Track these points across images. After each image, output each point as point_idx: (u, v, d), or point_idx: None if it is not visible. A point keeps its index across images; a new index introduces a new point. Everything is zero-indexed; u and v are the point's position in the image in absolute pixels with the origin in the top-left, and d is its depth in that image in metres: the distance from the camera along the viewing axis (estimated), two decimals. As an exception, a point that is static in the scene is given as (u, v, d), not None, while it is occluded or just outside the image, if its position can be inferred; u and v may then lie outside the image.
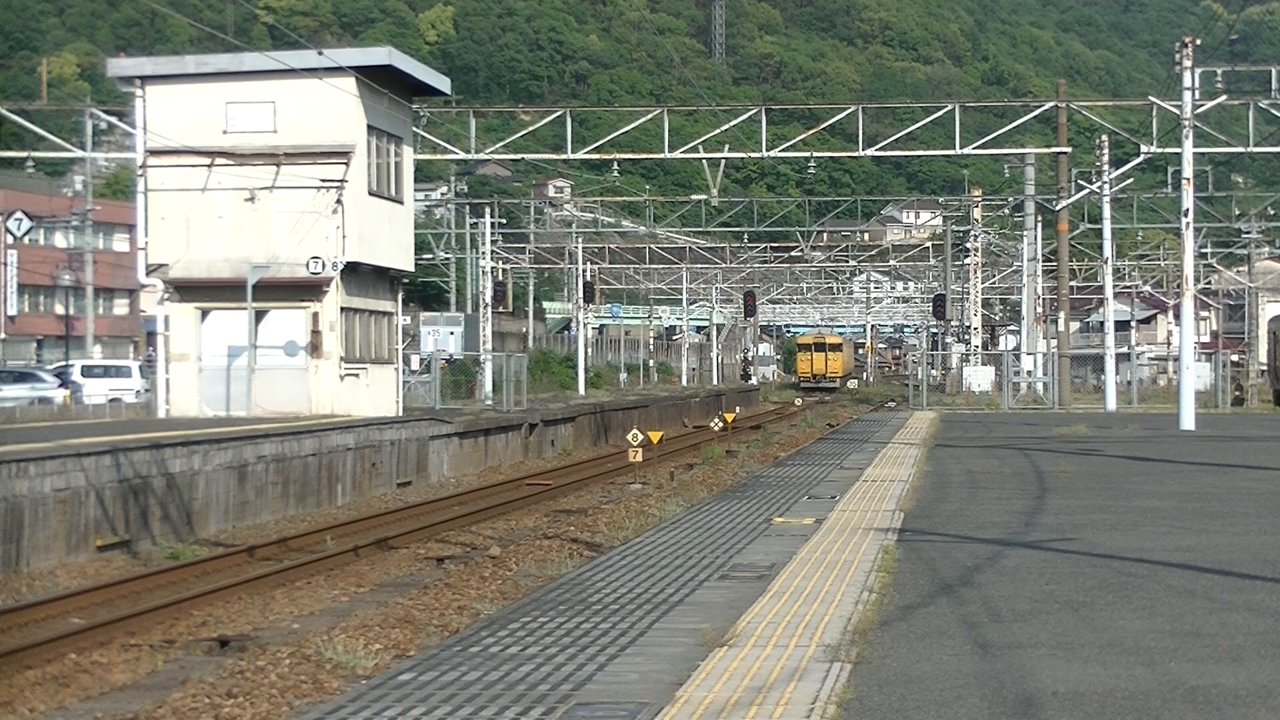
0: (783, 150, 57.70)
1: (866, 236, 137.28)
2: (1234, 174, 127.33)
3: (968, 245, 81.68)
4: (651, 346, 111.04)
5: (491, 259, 72.38)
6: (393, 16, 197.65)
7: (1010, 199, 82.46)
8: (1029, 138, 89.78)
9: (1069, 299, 60.58)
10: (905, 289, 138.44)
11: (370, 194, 37.41)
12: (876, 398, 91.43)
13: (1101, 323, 67.77)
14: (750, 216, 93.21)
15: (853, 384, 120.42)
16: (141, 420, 35.58)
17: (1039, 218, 69.26)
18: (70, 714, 13.67)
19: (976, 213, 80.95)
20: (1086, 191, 59.86)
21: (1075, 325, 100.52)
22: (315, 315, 36.29)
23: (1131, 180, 65.80)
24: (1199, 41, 42.91)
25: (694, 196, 79.74)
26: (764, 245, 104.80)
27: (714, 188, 59.88)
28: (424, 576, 21.27)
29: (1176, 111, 43.58)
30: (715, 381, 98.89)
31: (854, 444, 32.93)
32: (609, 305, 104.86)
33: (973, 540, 15.79)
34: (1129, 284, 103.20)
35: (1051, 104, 54.10)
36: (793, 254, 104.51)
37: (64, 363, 63.97)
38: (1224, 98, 48.31)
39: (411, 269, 42.41)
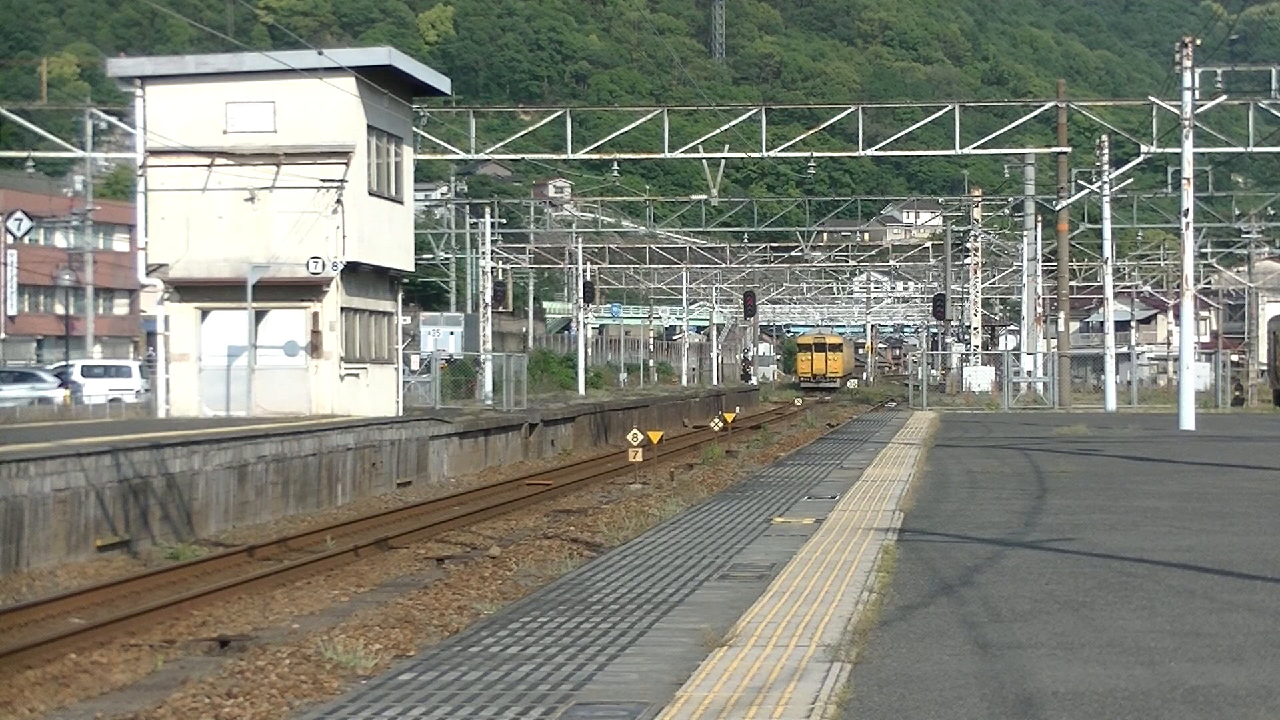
0: (783, 150, 57.70)
1: (866, 236, 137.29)
2: (1234, 174, 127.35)
3: (968, 245, 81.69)
4: (651, 346, 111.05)
5: (491, 259, 72.38)
6: (393, 16, 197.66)
7: (1010, 199, 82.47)
8: (1029, 138, 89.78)
9: (1069, 299, 60.59)
10: (905, 289, 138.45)
11: (370, 194, 37.41)
12: (876, 398, 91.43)
13: (1101, 323, 67.77)
14: (750, 216, 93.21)
15: (853, 384, 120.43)
16: (141, 420, 35.58)
17: (1039, 218, 69.26)
18: (70, 714, 13.67)
19: (976, 213, 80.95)
20: (1086, 191, 59.86)
21: (1075, 325, 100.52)
22: (315, 315, 36.29)
23: (1131, 180, 65.80)
24: (1199, 41, 42.91)
25: (694, 196, 79.74)
26: (764, 245, 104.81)
27: (714, 188, 59.89)
28: (424, 576, 21.27)
29: (1176, 111, 43.58)
30: (715, 381, 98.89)
31: (854, 444, 32.93)
32: (609, 305, 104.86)
33: (973, 540, 15.79)
34: (1129, 284, 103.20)
35: (1051, 104, 54.10)
36: (793, 254, 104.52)
37: (64, 363, 63.98)
38: (1224, 98, 48.31)
39: (411, 269, 42.41)
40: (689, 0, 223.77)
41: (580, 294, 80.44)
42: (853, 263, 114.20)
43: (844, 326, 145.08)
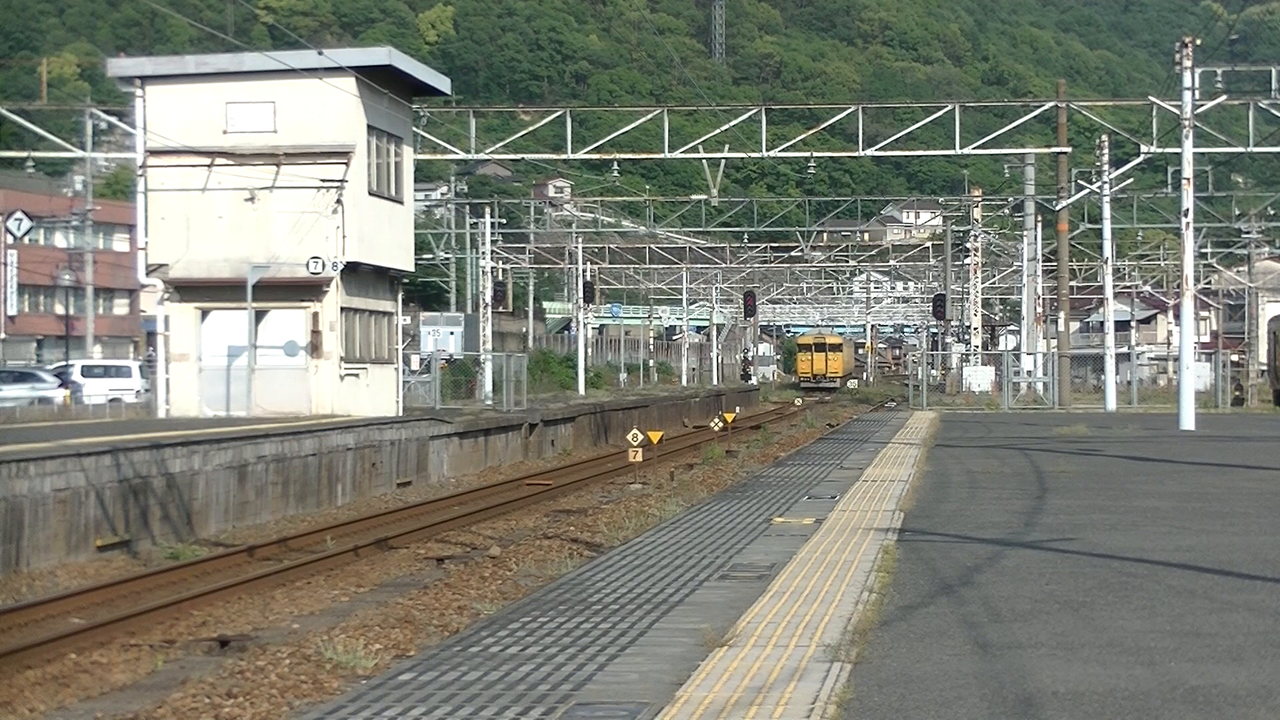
0: (783, 150, 57.70)
1: (866, 236, 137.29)
2: (1234, 174, 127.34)
3: (968, 245, 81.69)
4: (651, 346, 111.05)
5: (491, 259, 72.39)
6: (393, 16, 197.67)
7: (1010, 199, 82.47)
8: (1029, 138, 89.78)
9: (1069, 299, 60.59)
10: (905, 289, 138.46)
11: (370, 194, 37.41)
12: (876, 398, 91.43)
13: (1101, 323, 67.78)
14: (750, 216, 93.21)
15: (853, 384, 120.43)
16: (141, 420, 35.58)
17: (1039, 218, 69.26)
18: (70, 714, 13.67)
19: (976, 213, 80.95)
20: (1086, 191, 59.86)
21: (1075, 325, 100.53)
22: (315, 315, 36.29)
23: (1131, 180, 65.80)
24: (1199, 41, 42.91)
25: (694, 196, 79.74)
26: (764, 245, 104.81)
27: (714, 188, 59.89)
28: (424, 576, 21.27)
29: (1176, 111, 43.58)
30: (715, 381, 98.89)
31: (854, 444, 32.93)
32: (609, 305, 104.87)
33: (973, 540, 15.79)
34: (1129, 284, 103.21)
35: (1051, 104, 54.10)
36: (793, 254, 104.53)
37: (64, 363, 63.98)
38: (1224, 98, 48.31)
39: (411, 269, 42.41)
40: (689, 0, 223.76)
41: (580, 294, 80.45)
42: (853, 263, 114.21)
43: (844, 326, 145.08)
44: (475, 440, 40.35)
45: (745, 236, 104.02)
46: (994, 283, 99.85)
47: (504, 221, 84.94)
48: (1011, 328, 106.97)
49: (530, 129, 67.93)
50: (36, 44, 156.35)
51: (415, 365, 56.43)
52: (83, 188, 74.83)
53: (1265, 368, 68.11)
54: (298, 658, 14.38)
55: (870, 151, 54.55)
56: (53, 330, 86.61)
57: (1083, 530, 16.60)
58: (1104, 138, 56.26)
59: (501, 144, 56.21)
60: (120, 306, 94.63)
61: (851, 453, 29.77)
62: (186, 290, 36.40)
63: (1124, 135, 57.21)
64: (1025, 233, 72.32)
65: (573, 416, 50.16)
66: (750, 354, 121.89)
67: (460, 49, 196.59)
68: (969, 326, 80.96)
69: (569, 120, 52.57)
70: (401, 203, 40.03)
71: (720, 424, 50.64)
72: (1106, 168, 56.71)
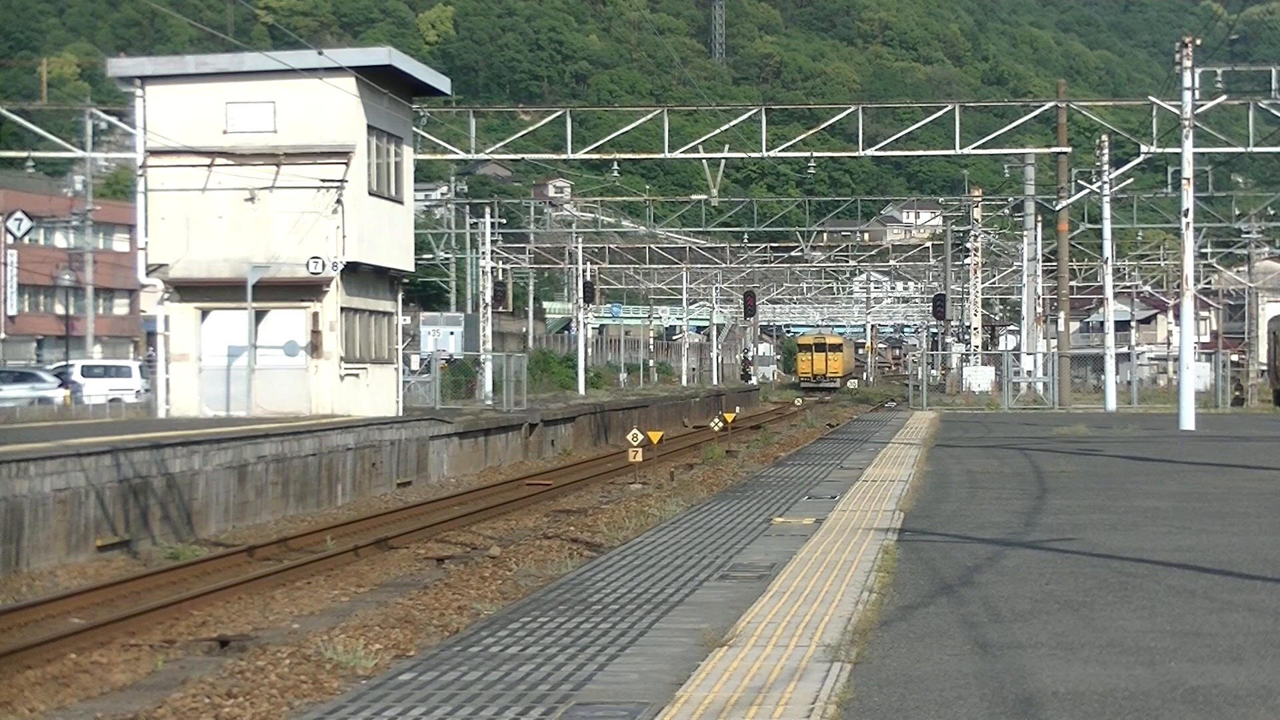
0: (783, 150, 57.70)
1: (866, 236, 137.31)
2: (1234, 174, 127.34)
3: (968, 245, 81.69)
4: (651, 346, 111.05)
5: (491, 259, 72.39)
6: (393, 16, 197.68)
7: (1010, 199, 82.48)
8: (1029, 138, 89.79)
9: (1069, 299, 60.59)
10: (905, 289, 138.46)
11: (370, 194, 37.41)
12: (876, 398, 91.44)
13: (1101, 323, 67.77)
14: (750, 216, 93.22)
15: (853, 384, 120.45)
16: (141, 420, 35.58)
17: (1039, 218, 69.27)
18: (70, 714, 13.67)
19: (976, 213, 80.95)
20: (1086, 191, 59.87)
21: (1075, 325, 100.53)
22: (315, 315, 36.29)
23: (1131, 180, 65.80)
24: (1199, 41, 42.90)
25: (694, 196, 79.74)
26: (764, 245, 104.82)
27: (714, 188, 59.89)
28: (424, 576, 21.27)
29: (1176, 111, 43.58)
30: (715, 381, 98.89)
31: (854, 444, 32.93)
32: (609, 305, 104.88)
33: (973, 540, 15.79)
34: (1129, 284, 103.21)
35: (1051, 104, 54.10)
36: (793, 254, 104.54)
37: (64, 363, 63.97)
38: (1224, 98, 48.31)
39: (411, 269, 42.41)
40: (689, 0, 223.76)
41: (580, 294, 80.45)
42: (853, 263, 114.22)
43: (844, 326, 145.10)
44: (475, 440, 40.35)
45: (745, 236, 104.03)
46: (994, 283, 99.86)
47: (504, 221, 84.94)
48: (1011, 328, 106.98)
49: (530, 129, 67.94)
50: (36, 44, 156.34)
51: (415, 365, 56.43)
52: (83, 188, 74.84)
53: (1265, 368, 68.11)
54: (298, 658, 14.38)
55: (870, 151, 54.56)
56: (53, 330, 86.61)
57: (1083, 530, 16.60)
58: (1104, 138, 56.26)
59: (501, 144, 56.22)
60: (120, 306, 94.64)
61: (851, 453, 29.77)
62: (186, 290, 36.40)
63: (1124, 135, 57.22)
64: (1025, 233, 72.32)
65: (573, 416, 50.16)
66: (750, 354, 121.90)
67: (460, 49, 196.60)
68: (969, 326, 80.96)
69: (569, 120, 52.58)
70: (401, 203, 40.03)
71: (720, 424, 50.64)
72: (1106, 168, 56.71)
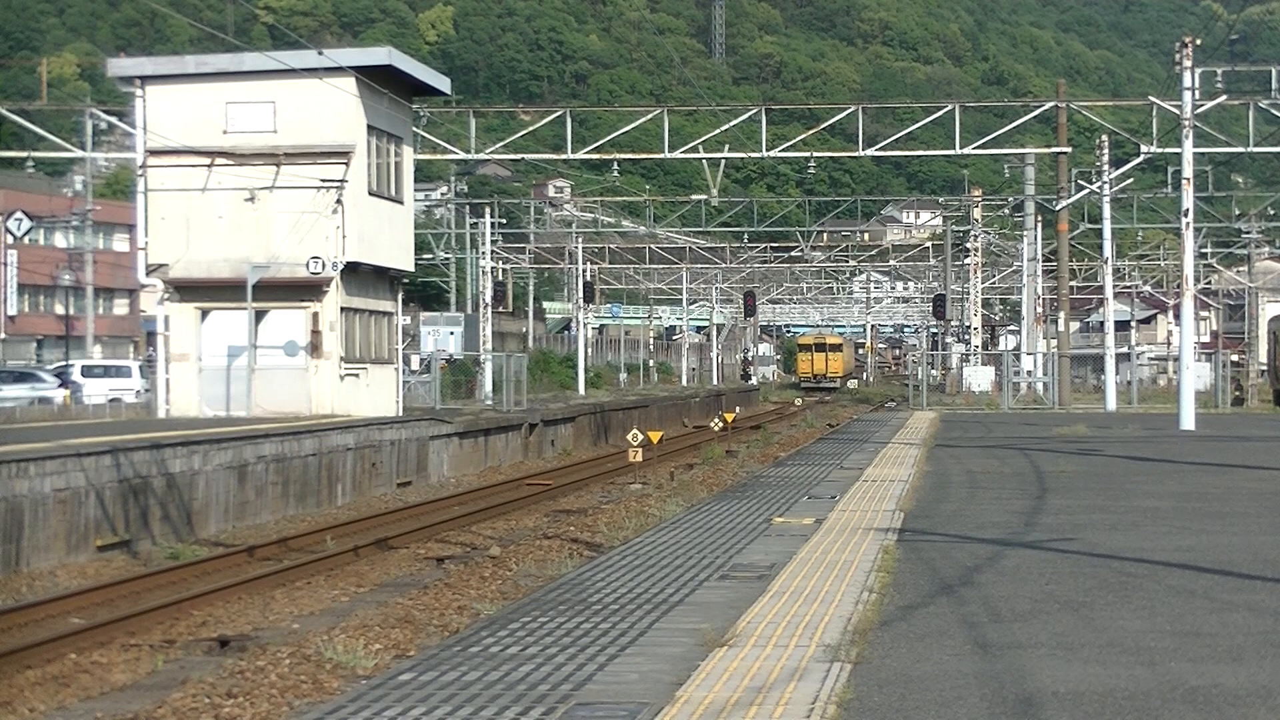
0: (783, 150, 57.70)
1: (866, 236, 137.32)
2: (1234, 174, 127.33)
3: (968, 245, 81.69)
4: (651, 346, 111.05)
5: (491, 259, 72.39)
6: (393, 16, 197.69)
7: (1010, 199, 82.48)
8: (1029, 138, 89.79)
9: (1069, 299, 60.59)
10: (905, 289, 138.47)
11: (370, 194, 37.41)
12: (876, 398, 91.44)
13: (1101, 323, 67.78)
14: (750, 216, 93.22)
15: (853, 384, 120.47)
16: (141, 420, 35.58)
17: (1039, 218, 69.27)
18: (70, 714, 13.67)
19: (976, 213, 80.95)
20: (1086, 191, 59.87)
21: (1075, 325, 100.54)
22: (315, 315, 36.29)
23: (1131, 180, 65.80)
24: (1199, 41, 42.90)
25: (694, 196, 79.75)
26: (764, 245, 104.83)
27: (714, 188, 59.90)
28: (424, 576, 21.27)
29: (1176, 111, 43.58)
30: (715, 381, 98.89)
31: (854, 444, 32.93)
32: (609, 305, 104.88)
33: (973, 540, 15.79)
34: (1129, 284, 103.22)
35: (1051, 104, 54.11)
36: (793, 254, 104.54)
37: (64, 363, 63.97)
38: (1224, 98, 48.32)
39: (411, 269, 42.41)
40: (689, 0, 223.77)
41: (580, 294, 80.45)
42: (853, 263, 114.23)
43: (844, 326, 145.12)
44: (475, 440, 40.35)
45: (745, 236, 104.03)
46: (994, 283, 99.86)
47: (504, 221, 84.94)
48: (1011, 328, 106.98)
49: (530, 129, 67.94)
50: (36, 44, 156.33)
51: (415, 365, 56.43)
52: (83, 188, 74.84)
53: (1265, 368, 68.11)
54: (298, 658, 14.38)
55: (870, 151, 54.57)
56: (53, 330, 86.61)
57: (1083, 530, 16.60)
58: (1104, 138, 56.26)
59: (501, 144, 56.22)
60: (120, 306, 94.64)
61: (851, 453, 29.77)
62: (186, 290, 36.40)
63: (1124, 135, 57.22)
64: (1025, 233, 72.32)
65: (573, 416, 50.16)
66: (750, 354, 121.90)
67: (460, 49, 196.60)
68: (969, 326, 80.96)
69: (569, 120, 52.58)
70: (401, 203, 40.03)
71: (720, 424, 50.64)
72: (1106, 168, 56.71)
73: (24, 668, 15.24)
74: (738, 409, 72.30)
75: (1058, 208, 56.79)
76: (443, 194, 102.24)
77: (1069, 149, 55.75)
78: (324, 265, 35.84)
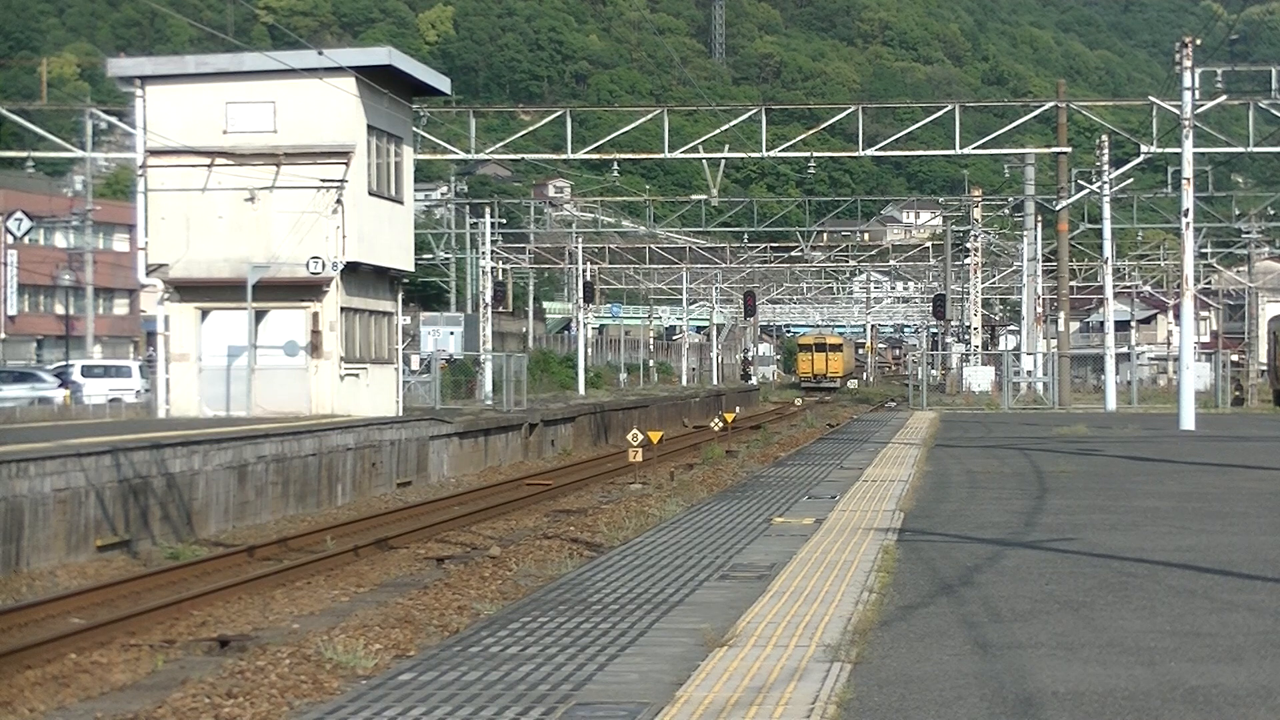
0: (783, 150, 57.70)
1: (866, 236, 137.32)
2: (1234, 174, 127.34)
3: (968, 245, 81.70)
4: (651, 346, 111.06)
5: (491, 259, 72.39)
6: (393, 16, 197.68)
7: (1010, 199, 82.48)
8: (1029, 138, 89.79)
9: (1069, 299, 60.59)
10: (905, 289, 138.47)
11: (370, 194, 37.41)
12: (876, 398, 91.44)
13: (1101, 323, 67.77)
14: (750, 216, 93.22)
15: (853, 384, 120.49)
16: (141, 420, 35.58)
17: (1039, 218, 69.27)
18: (70, 714, 13.67)
19: (976, 213, 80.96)
20: (1086, 191, 59.87)
21: (1075, 325, 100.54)
22: (315, 315, 36.29)
23: (1131, 180, 65.80)
24: (1199, 41, 42.90)
25: (694, 196, 79.76)
26: (764, 245, 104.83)
27: (714, 188, 59.90)
28: (424, 576, 21.27)
29: (1176, 111, 43.58)
30: (715, 381, 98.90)
31: (854, 444, 32.93)
32: (609, 305, 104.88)
33: (973, 540, 15.79)
34: (1129, 284, 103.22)
35: (1051, 104, 54.11)
36: (793, 254, 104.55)
37: (64, 363, 63.97)
38: (1224, 98, 48.31)
39: (411, 269, 42.41)
40: (689, 0, 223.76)
41: (580, 294, 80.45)
42: (853, 263, 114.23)
43: (844, 326, 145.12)
44: (475, 440, 40.35)
45: (745, 236, 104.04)
46: (994, 283, 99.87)
47: (504, 221, 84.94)
48: (1011, 328, 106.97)
49: (530, 129, 67.95)
50: (36, 44, 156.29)
51: (415, 365, 56.43)
52: (83, 188, 74.84)
53: (1265, 368, 68.12)
54: (298, 658, 14.38)
55: (870, 151, 54.57)
56: (53, 330, 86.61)
57: (1083, 530, 16.60)
58: (1104, 138, 56.26)
59: (501, 144, 56.22)
60: (120, 306, 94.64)
61: (851, 453, 29.77)
62: (186, 290, 36.40)
63: (1124, 135, 57.22)
64: (1025, 233, 72.32)
65: (573, 416, 50.16)
66: (750, 354, 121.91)
67: (460, 49, 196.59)
68: (969, 326, 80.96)
69: (569, 120, 52.58)
70: (401, 203, 40.03)
71: (720, 424, 50.64)
72: (1106, 168, 56.71)
73: (24, 668, 15.24)
74: (738, 409, 72.31)
75: (1058, 208, 56.79)
76: (443, 194, 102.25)
77: (1069, 149, 55.75)
78: (324, 265, 35.84)
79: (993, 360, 73.40)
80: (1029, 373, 66.35)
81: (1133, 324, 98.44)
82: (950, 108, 51.92)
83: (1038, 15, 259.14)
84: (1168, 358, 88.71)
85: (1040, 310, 71.65)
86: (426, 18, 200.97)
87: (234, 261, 35.78)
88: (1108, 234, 59.09)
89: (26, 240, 77.73)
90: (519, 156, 76.10)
